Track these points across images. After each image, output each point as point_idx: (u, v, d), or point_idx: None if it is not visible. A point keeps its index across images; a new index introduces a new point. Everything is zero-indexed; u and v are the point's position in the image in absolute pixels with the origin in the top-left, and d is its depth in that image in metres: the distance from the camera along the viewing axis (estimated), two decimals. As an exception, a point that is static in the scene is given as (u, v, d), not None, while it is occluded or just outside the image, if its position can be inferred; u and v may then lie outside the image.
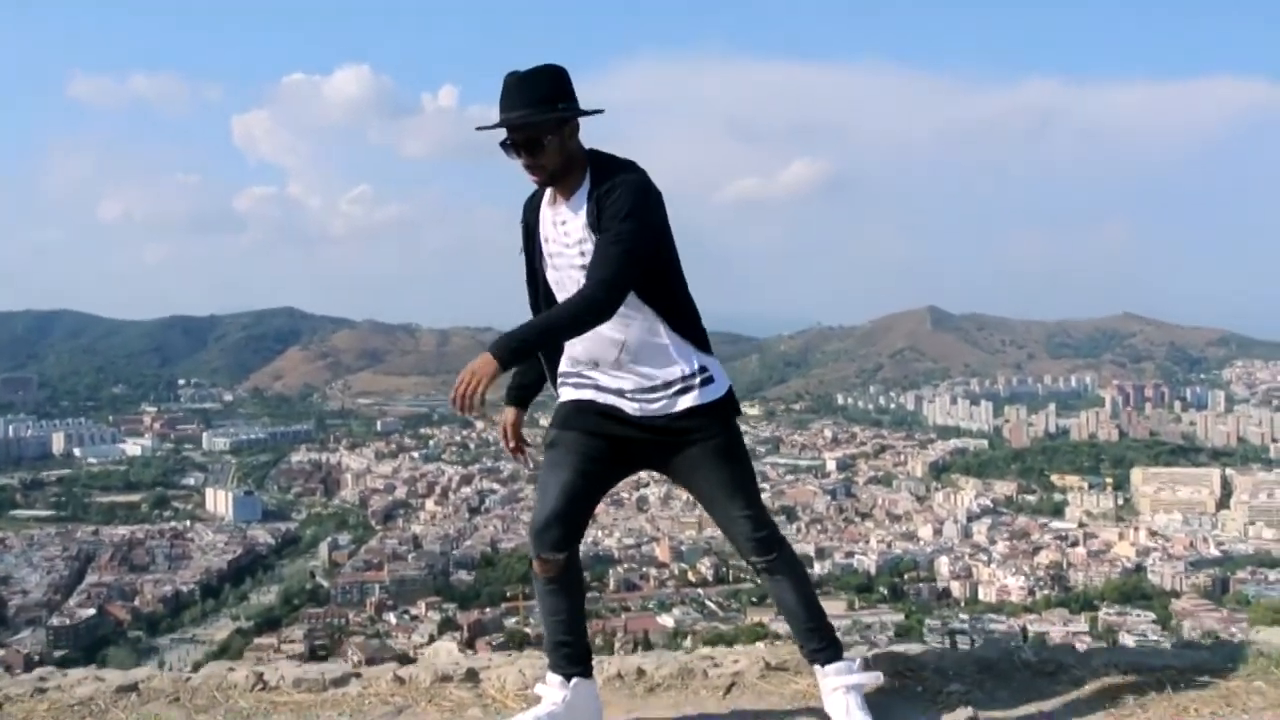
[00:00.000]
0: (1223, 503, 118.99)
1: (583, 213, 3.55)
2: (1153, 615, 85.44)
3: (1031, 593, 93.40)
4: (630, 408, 3.59)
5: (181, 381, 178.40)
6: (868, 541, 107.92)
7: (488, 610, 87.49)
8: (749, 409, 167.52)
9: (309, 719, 3.90)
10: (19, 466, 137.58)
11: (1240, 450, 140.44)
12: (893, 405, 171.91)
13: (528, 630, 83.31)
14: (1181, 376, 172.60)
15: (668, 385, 3.58)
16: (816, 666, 3.72)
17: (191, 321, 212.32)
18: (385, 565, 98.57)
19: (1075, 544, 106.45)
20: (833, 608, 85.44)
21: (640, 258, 3.45)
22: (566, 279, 3.61)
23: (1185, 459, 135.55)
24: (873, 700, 3.94)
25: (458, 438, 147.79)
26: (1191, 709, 3.95)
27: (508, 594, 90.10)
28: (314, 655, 78.22)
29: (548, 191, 3.67)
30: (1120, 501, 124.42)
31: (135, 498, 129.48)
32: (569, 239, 3.59)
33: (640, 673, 4.14)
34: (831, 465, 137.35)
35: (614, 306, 3.41)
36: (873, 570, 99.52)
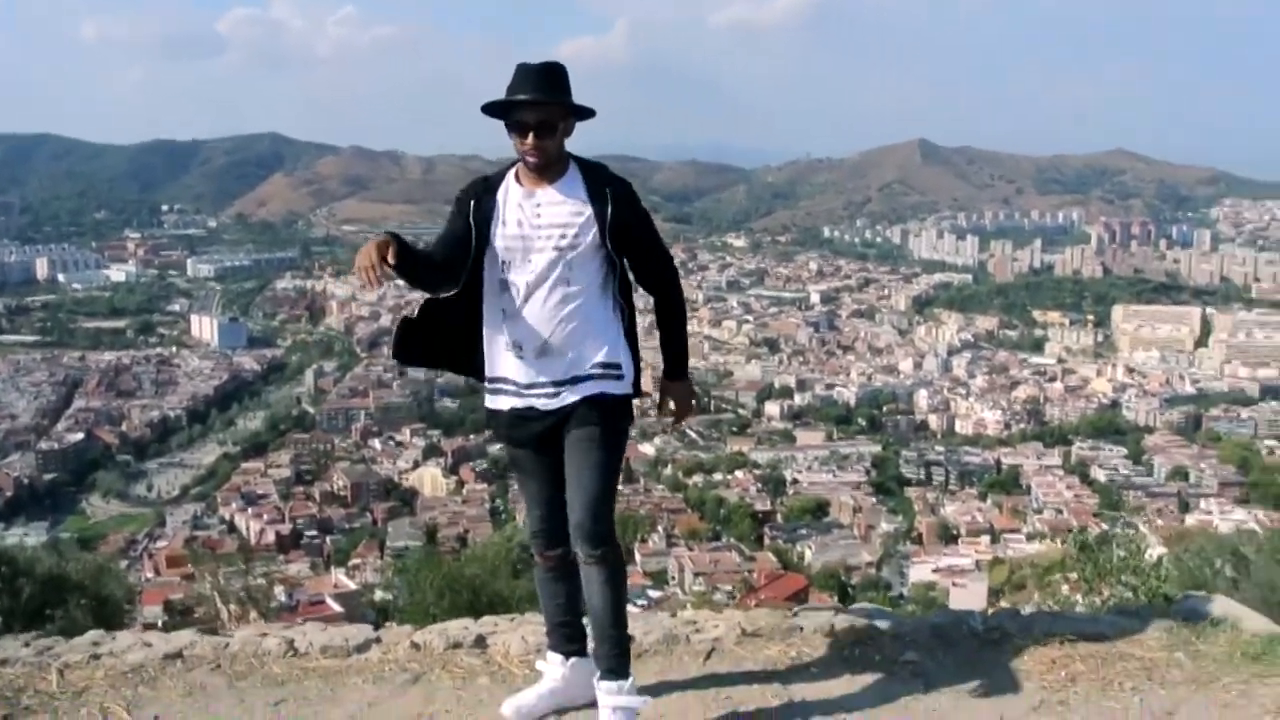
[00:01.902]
0: (1201, 341, 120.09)
1: (577, 204, 3.78)
2: (1125, 450, 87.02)
3: (1007, 426, 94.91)
4: (540, 404, 3.81)
5: (165, 207, 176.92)
6: (848, 374, 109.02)
7: (472, 437, 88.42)
8: (735, 240, 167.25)
9: (336, 685, 4.19)
10: (2, 292, 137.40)
11: (1222, 289, 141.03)
12: (879, 239, 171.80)
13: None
14: (1169, 214, 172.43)
15: (576, 380, 3.80)
16: (595, 677, 3.85)
17: (174, 146, 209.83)
18: (370, 392, 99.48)
19: (1053, 379, 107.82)
20: (812, 438, 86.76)
21: None
22: (528, 259, 3.78)
23: (1167, 297, 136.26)
24: (835, 669, 4.26)
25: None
26: (1116, 682, 4.21)
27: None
28: (300, 480, 79.70)
29: (518, 175, 3.86)
30: (1100, 338, 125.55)
31: (120, 324, 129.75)
32: (540, 221, 3.77)
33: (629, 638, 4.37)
34: (815, 298, 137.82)
35: None
36: (852, 402, 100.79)
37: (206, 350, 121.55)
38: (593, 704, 3.90)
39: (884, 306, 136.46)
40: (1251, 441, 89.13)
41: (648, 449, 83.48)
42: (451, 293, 3.88)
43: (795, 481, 79.87)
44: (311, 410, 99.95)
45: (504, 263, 3.81)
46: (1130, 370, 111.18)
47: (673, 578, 52.23)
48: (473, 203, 3.83)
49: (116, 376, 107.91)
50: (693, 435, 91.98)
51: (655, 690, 3.98)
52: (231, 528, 69.54)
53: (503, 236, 3.79)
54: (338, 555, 60.68)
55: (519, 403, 3.84)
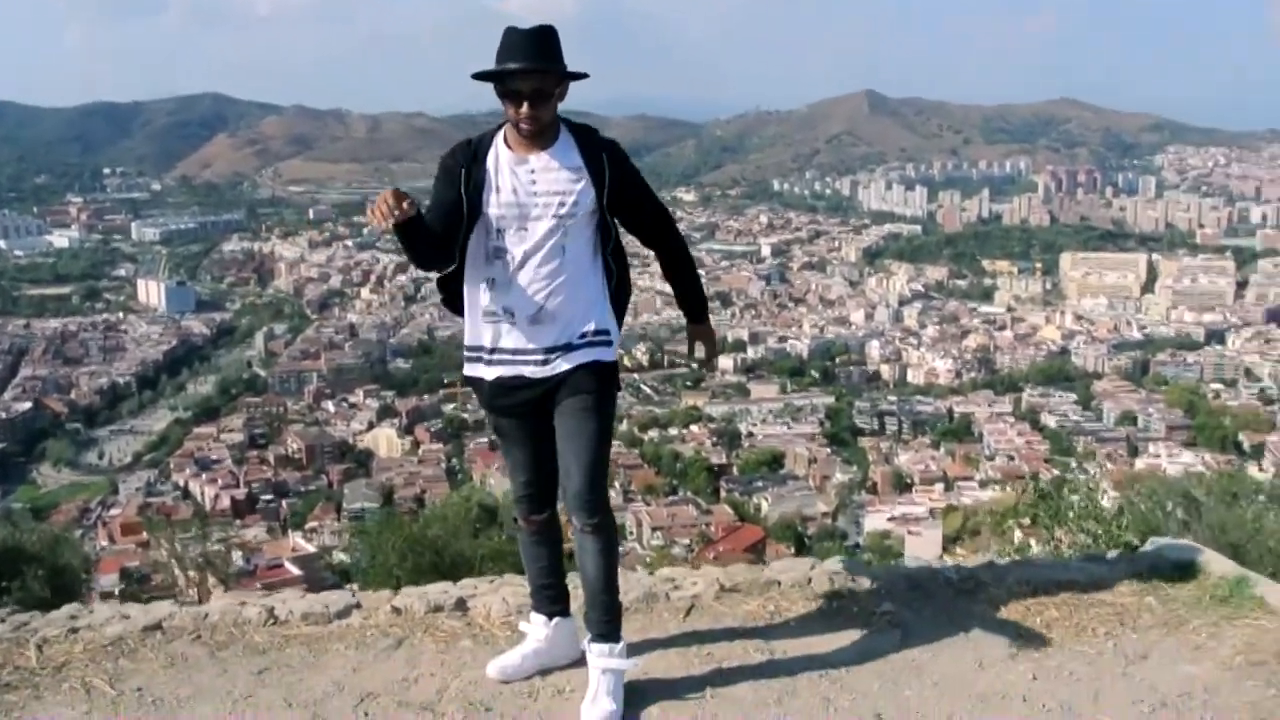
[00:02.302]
0: (1148, 287, 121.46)
1: (573, 170, 3.73)
2: (1074, 396, 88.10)
3: (959, 375, 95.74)
4: (529, 372, 3.78)
5: (106, 171, 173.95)
6: (801, 326, 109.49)
7: (425, 397, 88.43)
8: (685, 194, 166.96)
9: (319, 652, 4.20)
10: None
11: (1168, 236, 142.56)
12: (828, 191, 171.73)
13: (465, 415, 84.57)
14: (1114, 162, 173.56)
15: (569, 347, 3.77)
16: (585, 640, 3.86)
17: (114, 108, 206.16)
18: (322, 354, 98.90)
19: (1003, 328, 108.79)
20: (765, 391, 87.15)
21: None
22: (524, 227, 3.72)
23: (1114, 244, 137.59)
24: (814, 622, 4.34)
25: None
26: (1089, 628, 4.32)
27: (445, 380, 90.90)
28: (254, 444, 79.22)
29: (505, 140, 3.77)
30: (1048, 286, 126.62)
31: (65, 290, 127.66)
32: (537, 188, 3.71)
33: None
34: (766, 251, 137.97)
35: None
36: (805, 354, 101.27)
37: (154, 315, 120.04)
38: (576, 664, 3.95)
39: (834, 258, 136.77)
40: (1198, 385, 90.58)
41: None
42: (449, 269, 3.83)
43: (750, 434, 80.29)
44: (263, 373, 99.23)
45: (498, 231, 3.75)
46: (1078, 317, 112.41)
47: (630, 533, 52.49)
48: (463, 172, 3.73)
49: (63, 344, 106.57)
50: (647, 390, 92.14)
51: (638, 648, 4.03)
52: (186, 494, 69.10)
53: (497, 205, 3.73)
54: (294, 519, 60.67)
55: (506, 371, 3.81)
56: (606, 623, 3.82)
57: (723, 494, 64.38)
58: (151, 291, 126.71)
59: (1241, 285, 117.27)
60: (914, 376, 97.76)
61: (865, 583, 4.69)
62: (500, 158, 3.75)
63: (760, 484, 67.63)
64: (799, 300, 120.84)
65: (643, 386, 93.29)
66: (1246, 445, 73.84)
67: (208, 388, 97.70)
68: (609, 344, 3.83)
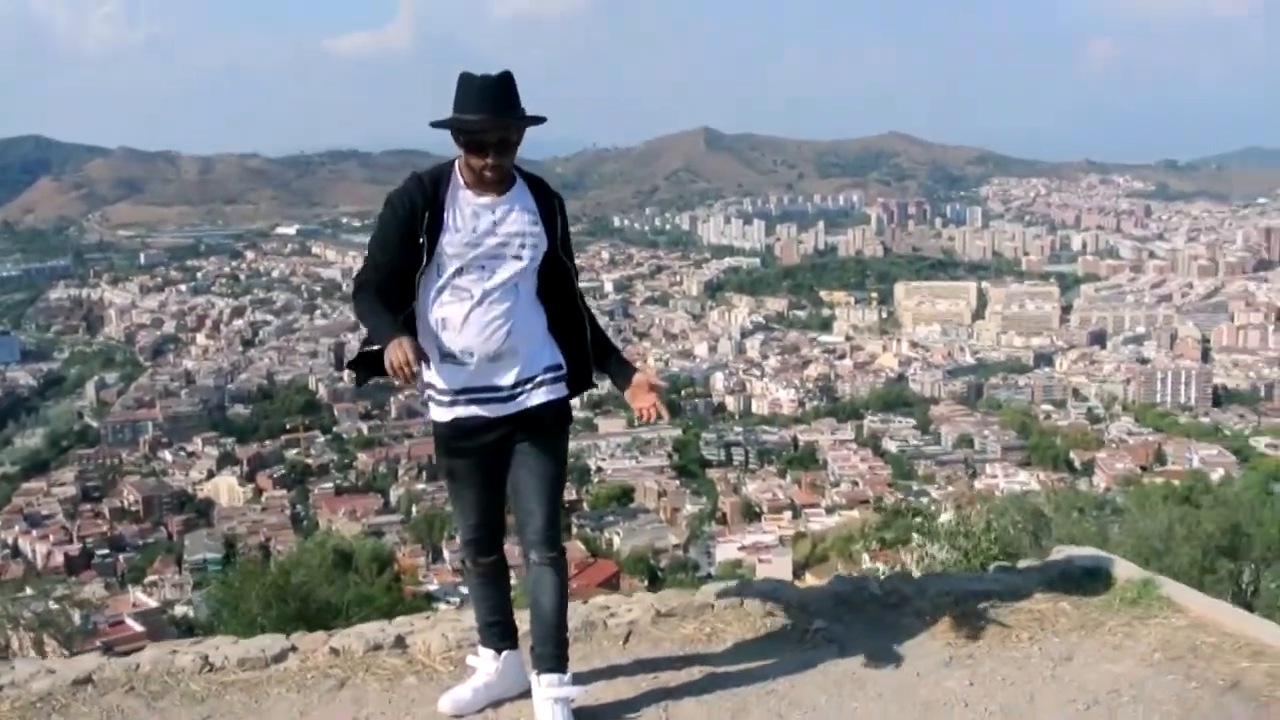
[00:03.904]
0: (978, 314, 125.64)
1: (532, 214, 3.80)
2: (914, 421, 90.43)
3: (802, 404, 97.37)
4: (487, 411, 3.78)
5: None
6: (645, 361, 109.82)
7: (267, 443, 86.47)
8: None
9: (259, 697, 4.09)
10: None
11: (995, 264, 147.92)
12: (668, 226, 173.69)
13: (309, 461, 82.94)
14: (942, 194, 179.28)
15: (529, 380, 3.81)
16: (532, 672, 3.87)
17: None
18: (157, 402, 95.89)
19: (842, 356, 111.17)
20: (613, 426, 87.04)
21: None
22: (483, 268, 3.71)
23: (944, 273, 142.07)
24: (751, 642, 4.43)
25: (227, 269, 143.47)
26: (1013, 634, 4.51)
27: (287, 425, 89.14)
28: (87, 497, 76.44)
29: (462, 180, 3.76)
30: (884, 315, 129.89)
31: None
32: (496, 231, 3.73)
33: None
34: (609, 287, 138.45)
35: None
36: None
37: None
38: (525, 695, 3.94)
39: (676, 292, 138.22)
40: (1029, 407, 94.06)
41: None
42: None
43: (599, 470, 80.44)
44: (95, 424, 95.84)
45: (457, 270, 3.73)
46: (914, 344, 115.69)
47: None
48: (424, 214, 3.69)
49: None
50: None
51: (584, 677, 4.06)
52: (15, 552, 66.21)
53: (455, 244, 3.71)
54: (133, 573, 58.78)
55: (463, 412, 3.80)
56: (557, 657, 3.84)
57: (574, 530, 64.08)
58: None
59: (1066, 310, 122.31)
60: (758, 407, 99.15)
61: (794, 601, 4.79)
62: (459, 197, 3.76)
63: (611, 518, 67.71)
64: (643, 335, 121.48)
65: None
66: (1078, 463, 76.79)
67: (36, 440, 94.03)
68: (563, 379, 3.89)
